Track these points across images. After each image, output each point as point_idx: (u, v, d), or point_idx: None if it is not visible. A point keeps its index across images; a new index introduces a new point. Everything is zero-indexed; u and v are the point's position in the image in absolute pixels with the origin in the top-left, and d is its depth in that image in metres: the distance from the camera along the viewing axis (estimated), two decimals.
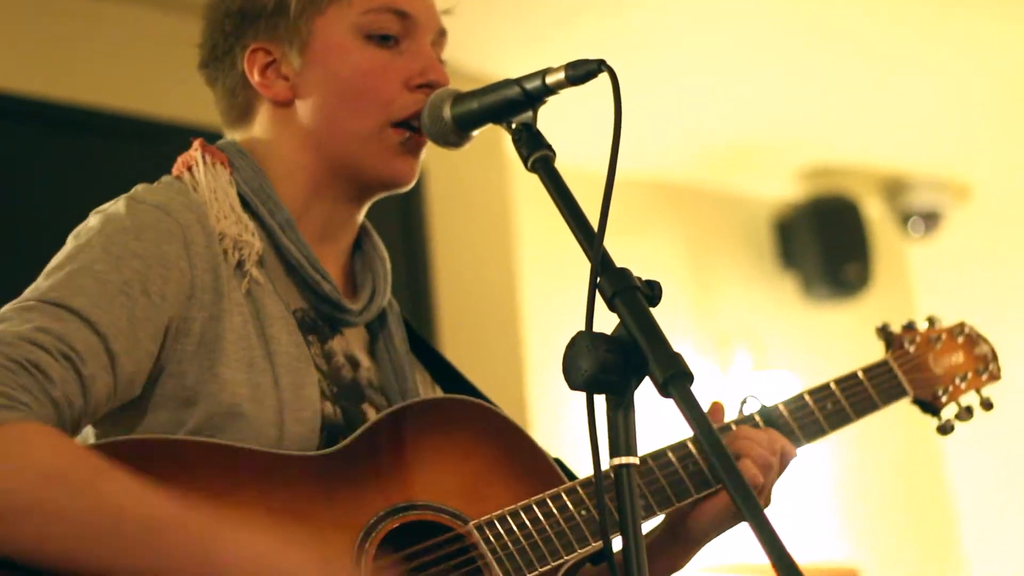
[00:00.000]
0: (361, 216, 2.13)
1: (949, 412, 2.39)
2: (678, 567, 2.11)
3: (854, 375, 2.30)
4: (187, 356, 1.85)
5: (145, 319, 1.80)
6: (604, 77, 1.72)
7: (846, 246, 6.68)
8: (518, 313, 5.28)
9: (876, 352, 2.37)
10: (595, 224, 1.65)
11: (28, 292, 1.78)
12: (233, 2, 2.08)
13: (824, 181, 6.69)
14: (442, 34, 2.12)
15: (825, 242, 6.64)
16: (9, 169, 4.27)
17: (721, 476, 1.46)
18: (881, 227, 6.97)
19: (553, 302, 5.52)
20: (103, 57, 4.57)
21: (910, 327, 2.42)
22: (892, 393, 2.33)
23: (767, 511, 2.04)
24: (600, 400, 1.58)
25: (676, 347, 1.55)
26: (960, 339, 2.46)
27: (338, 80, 2.03)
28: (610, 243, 1.63)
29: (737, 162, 6.49)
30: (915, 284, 7.17)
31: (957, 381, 2.40)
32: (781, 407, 2.20)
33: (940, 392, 2.38)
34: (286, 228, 2.00)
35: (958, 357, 2.43)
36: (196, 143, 2.03)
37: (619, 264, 1.63)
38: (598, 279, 1.60)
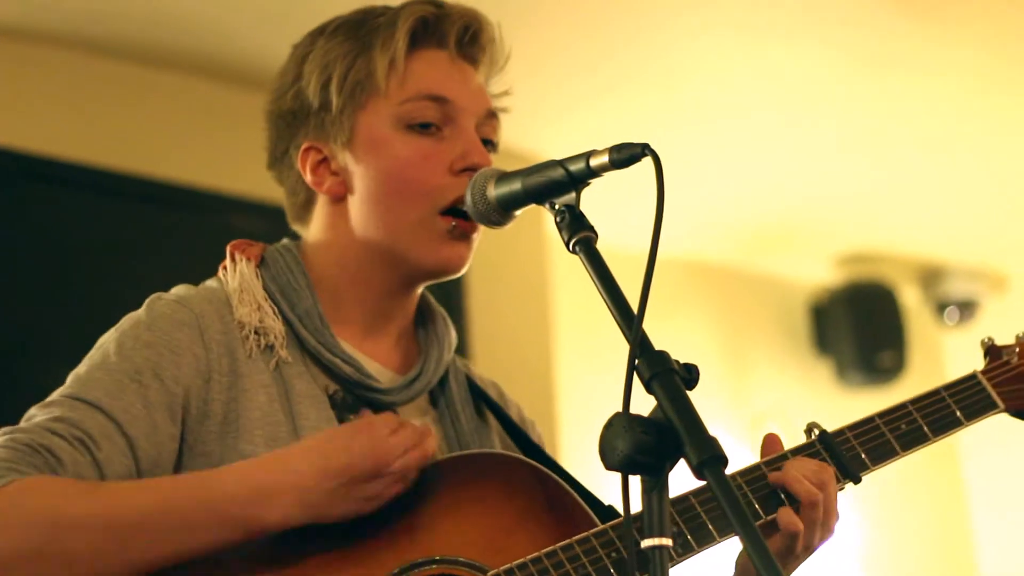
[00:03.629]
0: (412, 301, 2.16)
1: None
2: None
3: (935, 392, 2.21)
4: (212, 437, 1.92)
5: (160, 403, 1.89)
6: (647, 159, 1.72)
7: (881, 333, 6.67)
8: (553, 391, 5.28)
9: None
10: (634, 306, 1.66)
11: (53, 393, 1.89)
12: (284, 103, 2.14)
13: (861, 267, 6.69)
14: (491, 115, 2.14)
15: (860, 328, 6.63)
16: (64, 236, 4.33)
17: (753, 559, 1.45)
18: (917, 315, 6.96)
19: (588, 381, 5.52)
20: (152, 125, 4.64)
21: (1022, 337, 2.30)
22: (978, 408, 2.22)
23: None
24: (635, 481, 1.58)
25: (710, 430, 1.55)
26: None
27: (382, 172, 2.07)
28: (646, 324, 1.63)
29: (774, 245, 6.50)
30: (950, 373, 7.11)
31: None
32: (847, 431, 2.14)
33: None
34: (304, 318, 2.05)
35: None
36: (229, 246, 2.11)
37: (654, 344, 1.63)
38: (636, 361, 1.61)
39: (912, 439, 2.16)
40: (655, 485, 1.56)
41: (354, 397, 2.05)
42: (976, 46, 4.94)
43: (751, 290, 6.72)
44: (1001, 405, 2.24)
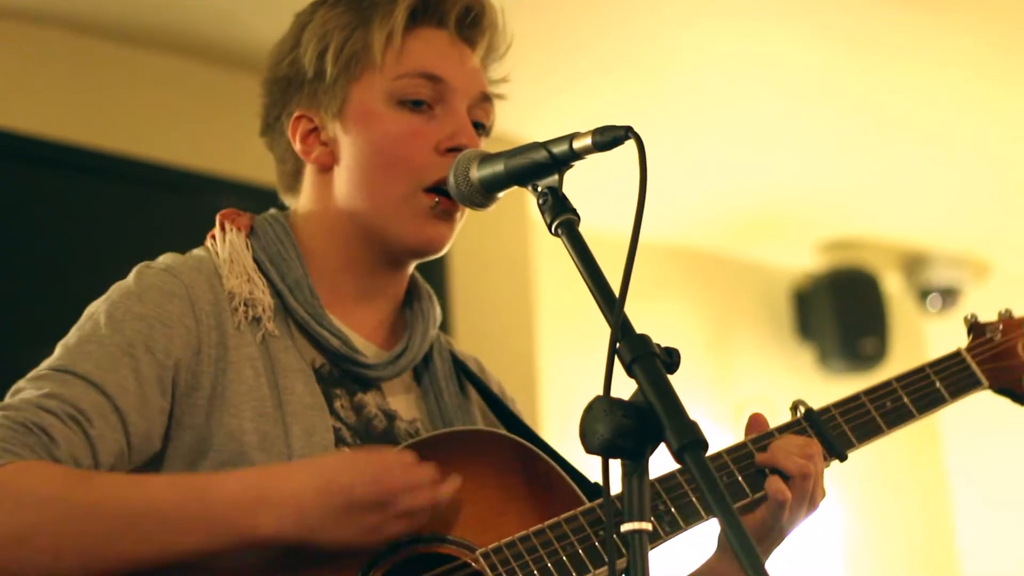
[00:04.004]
0: (401, 280, 2.16)
1: None
2: None
3: (920, 369, 2.23)
4: (199, 409, 1.91)
5: (152, 376, 1.87)
6: (630, 143, 1.72)
7: (863, 319, 6.68)
8: (535, 374, 5.28)
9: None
10: (616, 289, 1.66)
11: (42, 364, 1.86)
12: (279, 70, 2.14)
13: (844, 254, 6.70)
14: (485, 99, 2.13)
15: (843, 315, 6.64)
16: (57, 217, 4.33)
17: (732, 543, 1.46)
18: (899, 302, 6.97)
19: (570, 365, 5.52)
20: (148, 107, 4.64)
21: (1006, 314, 2.32)
22: (963, 385, 2.24)
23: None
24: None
25: (691, 415, 1.55)
26: None
27: (370, 146, 2.06)
28: (628, 308, 1.63)
29: (758, 231, 6.50)
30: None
31: None
32: (832, 408, 2.15)
33: None
34: (294, 289, 2.04)
35: None
36: (219, 215, 2.10)
37: (637, 329, 1.63)
38: (618, 344, 1.60)
39: (898, 416, 2.18)
40: (635, 469, 1.56)
41: (340, 371, 2.04)
42: (964, 34, 4.93)
43: (734, 276, 6.72)
44: (985, 382, 2.26)
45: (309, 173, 2.13)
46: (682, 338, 5.99)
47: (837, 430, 2.13)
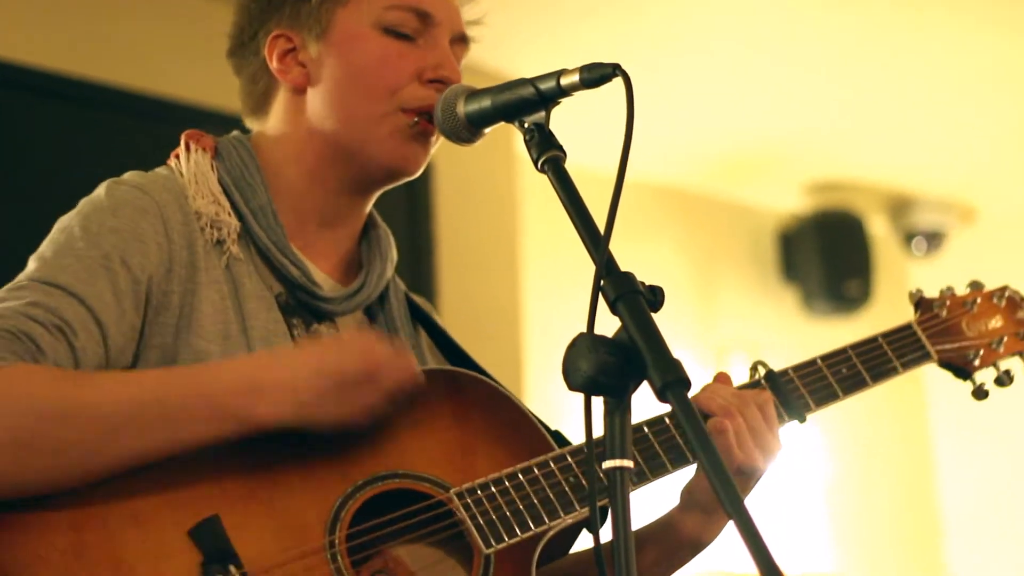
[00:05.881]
0: (366, 208, 2.15)
1: (987, 376, 2.34)
2: (707, 537, 2.05)
3: (873, 339, 2.28)
4: (168, 329, 1.90)
5: (128, 291, 1.87)
6: (618, 81, 1.72)
7: (848, 262, 6.69)
8: (519, 312, 5.29)
9: None
10: (601, 227, 1.65)
11: (19, 276, 1.85)
12: None
13: (830, 196, 6.70)
14: (462, 39, 2.13)
15: (828, 257, 6.65)
16: (36, 143, 4.32)
17: (713, 481, 1.46)
18: (884, 245, 6.98)
19: (554, 302, 5.53)
20: (132, 38, 4.61)
21: (948, 291, 2.38)
22: (914, 357, 2.30)
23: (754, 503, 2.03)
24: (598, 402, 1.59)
25: (675, 353, 1.55)
26: (1000, 303, 2.39)
27: (352, 67, 2.06)
28: (613, 246, 1.63)
29: (744, 172, 6.50)
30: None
31: (993, 345, 2.34)
32: (791, 372, 2.19)
33: (971, 356, 2.33)
34: (258, 214, 2.04)
35: (996, 321, 2.37)
36: (184, 135, 2.08)
37: (622, 268, 1.63)
38: (602, 282, 1.60)
39: (853, 383, 2.23)
40: (617, 407, 1.56)
41: (297, 301, 2.04)
42: None
43: (720, 216, 6.72)
44: (934, 356, 2.32)
45: (282, 95, 2.12)
46: (667, 278, 5.98)
47: (795, 393, 2.17)
